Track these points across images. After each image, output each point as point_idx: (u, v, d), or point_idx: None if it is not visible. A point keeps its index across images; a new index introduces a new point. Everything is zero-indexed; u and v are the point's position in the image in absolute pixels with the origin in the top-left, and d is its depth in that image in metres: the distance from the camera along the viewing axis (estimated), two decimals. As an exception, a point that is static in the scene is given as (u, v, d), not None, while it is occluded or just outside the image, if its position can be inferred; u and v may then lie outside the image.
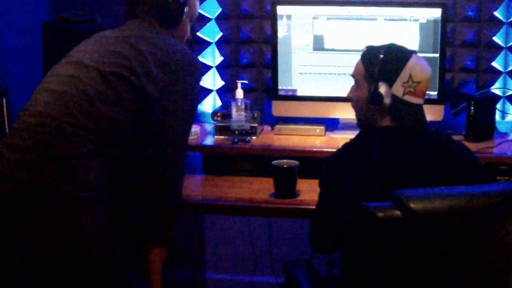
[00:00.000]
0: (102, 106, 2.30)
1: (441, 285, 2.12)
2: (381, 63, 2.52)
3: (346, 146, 2.55)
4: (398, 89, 2.50)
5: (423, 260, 2.09)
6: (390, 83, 2.50)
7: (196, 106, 2.65)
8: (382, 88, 2.50)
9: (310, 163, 3.10)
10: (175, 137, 2.48)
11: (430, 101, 3.09)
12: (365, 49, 2.62)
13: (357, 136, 2.57)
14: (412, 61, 2.50)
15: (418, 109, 2.53)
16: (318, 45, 3.45)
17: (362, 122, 2.62)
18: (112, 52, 2.44)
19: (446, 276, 2.11)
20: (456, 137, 3.13)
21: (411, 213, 2.03)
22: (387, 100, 2.50)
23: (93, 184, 2.20)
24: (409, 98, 2.50)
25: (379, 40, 3.08)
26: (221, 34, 3.75)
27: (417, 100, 2.51)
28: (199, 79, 2.65)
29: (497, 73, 3.59)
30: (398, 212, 2.04)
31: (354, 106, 2.66)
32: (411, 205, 2.03)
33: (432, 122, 3.35)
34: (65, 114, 2.24)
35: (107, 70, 2.37)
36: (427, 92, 2.59)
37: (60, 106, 2.27)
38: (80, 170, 2.18)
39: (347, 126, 3.40)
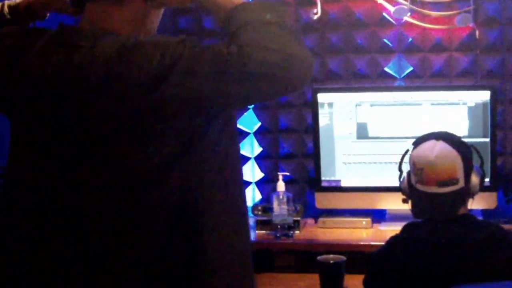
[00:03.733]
0: None
1: None
2: (406, 153, 2.63)
3: (391, 240, 2.54)
4: (413, 178, 2.52)
5: None
6: (409, 172, 2.56)
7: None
8: (404, 178, 2.61)
9: (358, 257, 3.07)
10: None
11: (481, 188, 3.05)
12: None
13: (401, 230, 2.56)
14: (417, 148, 2.51)
15: (434, 198, 2.48)
16: (362, 133, 3.46)
17: None
18: None
19: None
20: (510, 226, 3.10)
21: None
22: (406, 190, 2.57)
23: None
24: (420, 187, 2.49)
25: (426, 126, 3.10)
26: (259, 124, 3.78)
27: (428, 189, 2.47)
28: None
29: (553, 156, 3.57)
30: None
31: None
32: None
33: (484, 210, 3.32)
34: None
35: None
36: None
37: None
38: None
39: (394, 217, 3.37)
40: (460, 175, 2.47)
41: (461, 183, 2.47)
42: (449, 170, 2.47)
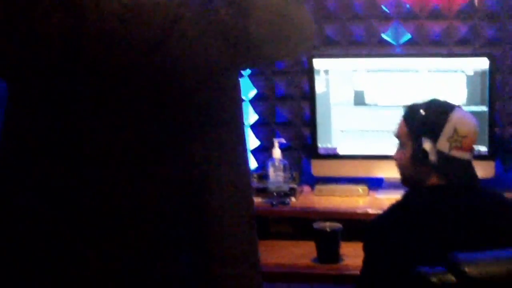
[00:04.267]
0: None
1: None
2: (423, 119, 2.54)
3: (393, 207, 2.53)
4: (443, 144, 2.49)
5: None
6: (434, 139, 2.50)
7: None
8: (427, 145, 2.50)
9: (354, 225, 3.07)
10: None
11: (479, 157, 3.05)
12: (405, 107, 2.63)
13: (404, 196, 2.55)
14: (456, 115, 2.50)
15: (467, 164, 2.52)
16: (359, 100, 3.44)
17: (408, 181, 2.60)
18: None
19: None
20: (508, 195, 3.10)
21: (467, 278, 1.99)
22: (432, 157, 2.49)
23: None
24: (456, 153, 2.48)
25: (423, 93, 3.08)
26: (255, 91, 3.76)
27: (465, 155, 2.50)
28: None
29: (551, 125, 3.56)
30: (452, 277, 2.01)
31: (398, 166, 2.65)
32: (467, 269, 2.00)
33: (482, 179, 3.31)
34: None
35: None
36: (477, 148, 2.57)
37: None
38: None
39: (391, 186, 3.36)
40: None
41: None
42: (476, 138, 2.56)
